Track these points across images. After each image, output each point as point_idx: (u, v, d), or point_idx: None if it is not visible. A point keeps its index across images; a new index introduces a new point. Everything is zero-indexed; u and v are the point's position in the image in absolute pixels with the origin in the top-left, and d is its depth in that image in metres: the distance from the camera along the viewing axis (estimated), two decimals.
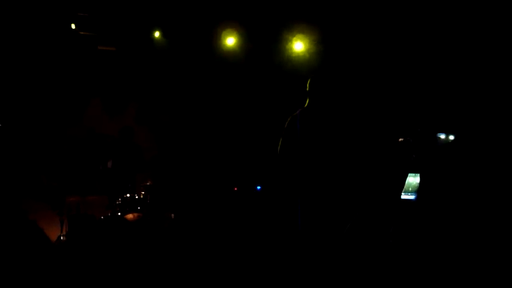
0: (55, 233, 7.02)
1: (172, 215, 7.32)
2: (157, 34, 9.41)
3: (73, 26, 8.83)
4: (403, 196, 5.79)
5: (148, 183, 7.65)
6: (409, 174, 5.77)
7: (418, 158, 5.73)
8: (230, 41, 8.47)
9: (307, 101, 5.22)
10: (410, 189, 5.92)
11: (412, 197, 5.86)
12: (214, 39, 8.51)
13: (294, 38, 7.82)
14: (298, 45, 7.90)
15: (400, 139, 5.65)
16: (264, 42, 8.36)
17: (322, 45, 7.75)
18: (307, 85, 5.21)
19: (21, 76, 9.09)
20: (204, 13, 8.44)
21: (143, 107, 10.33)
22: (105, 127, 9.46)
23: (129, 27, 9.27)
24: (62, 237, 7.04)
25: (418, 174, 5.88)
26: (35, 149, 8.90)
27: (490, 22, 6.57)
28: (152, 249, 6.58)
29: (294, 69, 7.78)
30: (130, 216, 7.21)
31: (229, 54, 8.57)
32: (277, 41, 8.06)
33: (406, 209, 5.63)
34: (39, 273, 5.49)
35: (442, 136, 6.52)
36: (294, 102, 5.43)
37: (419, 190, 5.87)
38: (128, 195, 7.43)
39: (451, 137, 6.76)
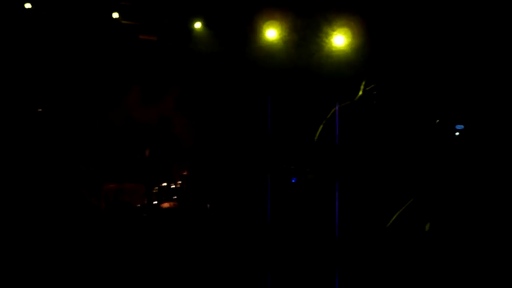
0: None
1: (208, 205, 7.35)
2: (198, 25, 9.44)
3: (115, 15, 8.89)
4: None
5: (185, 173, 7.70)
6: None
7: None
8: (271, 33, 8.42)
9: (359, 95, 5.26)
10: None
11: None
12: (254, 31, 8.46)
13: (334, 32, 7.72)
14: (339, 40, 7.80)
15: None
16: (304, 36, 8.29)
17: (366, 40, 7.65)
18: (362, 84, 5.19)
19: (64, 63, 9.23)
20: (246, 4, 8.41)
21: (182, 96, 10.37)
22: (144, 116, 9.50)
23: (171, 17, 9.30)
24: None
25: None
26: (74, 135, 9.02)
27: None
28: (186, 239, 6.61)
29: (334, 65, 7.70)
30: (166, 205, 7.28)
31: (269, 47, 8.53)
32: (317, 35, 7.97)
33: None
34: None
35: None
36: (331, 97, 5.41)
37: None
38: (165, 184, 7.50)
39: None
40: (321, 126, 5.24)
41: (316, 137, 5.27)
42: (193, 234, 6.78)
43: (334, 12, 7.86)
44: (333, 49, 7.82)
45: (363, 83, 5.23)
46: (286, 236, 6.46)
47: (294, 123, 8.45)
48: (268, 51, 8.56)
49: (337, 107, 5.18)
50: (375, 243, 5.01)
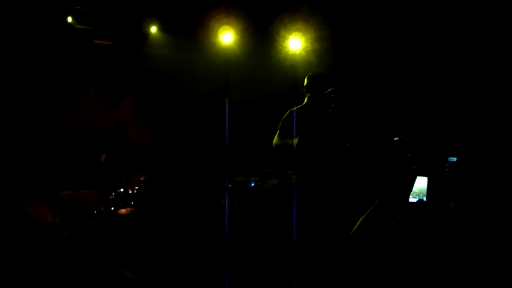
0: (47, 226, 6.99)
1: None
2: (154, 29, 9.41)
3: (70, 20, 8.77)
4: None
5: (142, 178, 7.65)
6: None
7: (412, 157, 5.75)
8: (227, 37, 8.44)
9: (306, 98, 5.17)
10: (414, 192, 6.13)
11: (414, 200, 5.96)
12: (210, 35, 8.47)
13: (291, 36, 7.78)
14: (295, 44, 7.86)
15: (395, 138, 5.63)
16: (260, 40, 8.33)
17: (319, 43, 7.72)
18: (305, 81, 5.16)
19: (19, 67, 9.04)
20: (202, 8, 8.39)
21: (138, 101, 10.30)
22: (99, 121, 9.44)
23: (126, 22, 9.23)
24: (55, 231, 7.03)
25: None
26: (27, 141, 8.82)
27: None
28: (143, 245, 6.49)
29: (290, 68, 7.76)
30: (123, 211, 7.20)
31: (225, 50, 8.55)
32: (273, 39, 8.01)
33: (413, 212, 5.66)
34: (32, 266, 5.44)
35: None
36: (288, 100, 5.40)
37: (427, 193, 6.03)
38: (122, 190, 7.42)
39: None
40: (278, 131, 5.17)
41: (274, 141, 5.21)
42: (150, 239, 6.66)
43: (290, 16, 7.89)
44: (290, 53, 7.91)
45: (306, 78, 5.19)
46: (243, 242, 6.44)
47: (251, 127, 8.47)
48: (225, 55, 8.58)
49: (294, 111, 5.10)
50: (334, 250, 4.96)
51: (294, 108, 5.10)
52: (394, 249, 5.09)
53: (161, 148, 9.52)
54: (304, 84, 5.18)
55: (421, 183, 6.19)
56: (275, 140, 5.15)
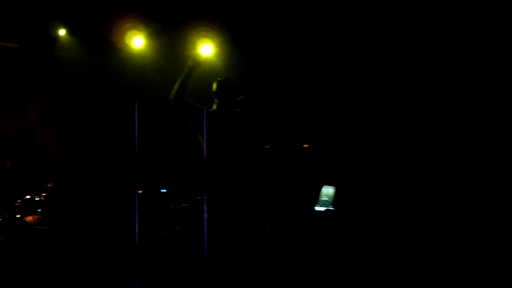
0: None
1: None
2: (62, 32, 9.18)
3: None
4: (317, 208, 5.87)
5: (50, 185, 7.40)
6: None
7: (321, 165, 5.78)
8: (138, 42, 8.36)
9: (215, 103, 5.09)
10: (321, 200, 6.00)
11: (322, 208, 5.94)
12: (121, 39, 8.36)
13: (202, 41, 7.77)
14: (207, 49, 7.86)
15: (305, 145, 5.58)
16: (171, 44, 8.28)
17: (228, 46, 7.76)
18: (214, 87, 5.09)
19: None
20: (112, 12, 8.27)
21: (48, 106, 10.01)
22: (5, 126, 9.11)
23: (34, 24, 8.95)
24: None
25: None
26: None
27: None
28: (51, 253, 6.36)
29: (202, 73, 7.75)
30: (29, 218, 6.95)
31: (136, 55, 8.47)
32: (184, 43, 7.99)
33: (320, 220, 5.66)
34: None
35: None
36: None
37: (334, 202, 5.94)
38: (28, 196, 7.17)
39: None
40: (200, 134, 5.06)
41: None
42: (59, 247, 6.52)
43: (201, 21, 7.93)
44: (201, 58, 7.85)
45: (215, 84, 5.13)
46: (154, 252, 6.28)
47: (162, 133, 8.41)
48: (135, 60, 8.49)
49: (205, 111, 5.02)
50: (245, 262, 4.88)
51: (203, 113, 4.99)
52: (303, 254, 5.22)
53: (71, 155, 9.29)
54: (213, 90, 5.10)
55: (328, 191, 6.06)
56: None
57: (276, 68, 7.85)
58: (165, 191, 7.49)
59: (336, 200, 5.92)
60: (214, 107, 5.09)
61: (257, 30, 7.88)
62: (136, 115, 7.12)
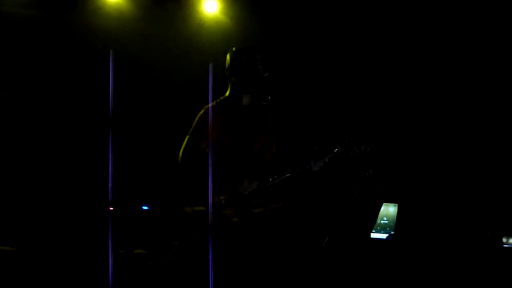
0: None
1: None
2: None
3: None
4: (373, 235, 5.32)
5: None
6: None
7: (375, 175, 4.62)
8: None
9: (229, 86, 3.86)
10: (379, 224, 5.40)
11: (383, 236, 5.36)
12: None
13: None
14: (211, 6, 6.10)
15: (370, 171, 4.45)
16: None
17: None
18: (227, 60, 3.83)
19: None
20: None
21: None
22: None
23: None
24: None
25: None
26: None
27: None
28: None
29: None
30: None
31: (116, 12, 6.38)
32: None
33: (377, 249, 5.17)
34: None
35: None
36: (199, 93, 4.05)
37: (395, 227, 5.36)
38: None
39: None
40: (187, 136, 3.82)
41: (182, 150, 3.88)
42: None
43: None
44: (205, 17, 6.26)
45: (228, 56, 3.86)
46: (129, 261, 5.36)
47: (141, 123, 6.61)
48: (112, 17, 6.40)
49: (210, 107, 3.75)
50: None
51: (210, 105, 3.81)
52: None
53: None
54: (226, 66, 3.86)
55: (389, 210, 5.48)
56: (183, 147, 3.80)
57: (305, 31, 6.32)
58: (146, 208, 6.01)
59: (399, 222, 5.38)
60: (228, 90, 3.90)
61: None
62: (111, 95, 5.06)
